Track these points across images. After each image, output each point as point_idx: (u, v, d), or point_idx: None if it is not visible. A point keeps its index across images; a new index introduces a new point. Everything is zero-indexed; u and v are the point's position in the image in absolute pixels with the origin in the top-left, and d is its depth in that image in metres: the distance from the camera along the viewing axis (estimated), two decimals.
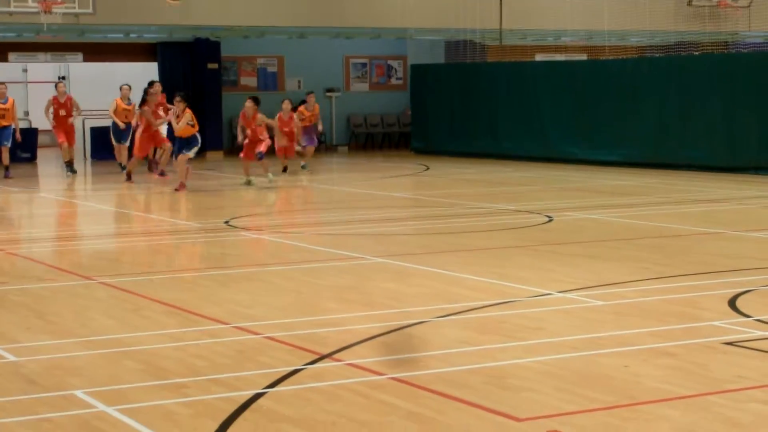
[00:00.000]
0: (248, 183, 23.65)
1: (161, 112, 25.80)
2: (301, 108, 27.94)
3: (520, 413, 7.05)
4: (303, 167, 27.63)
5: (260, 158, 23.23)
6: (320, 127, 28.52)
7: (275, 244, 15.59)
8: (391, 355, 8.80)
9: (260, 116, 23.60)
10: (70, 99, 27.55)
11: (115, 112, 26.97)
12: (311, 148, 28.23)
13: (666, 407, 7.23)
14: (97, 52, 34.40)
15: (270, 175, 23.36)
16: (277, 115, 26.60)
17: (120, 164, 27.20)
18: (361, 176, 26.57)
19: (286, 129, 26.75)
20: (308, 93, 29.00)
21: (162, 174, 25.25)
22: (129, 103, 27.08)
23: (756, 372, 8.08)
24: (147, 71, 34.26)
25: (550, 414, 7.08)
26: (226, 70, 35.60)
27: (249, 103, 23.47)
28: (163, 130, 26.25)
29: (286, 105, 26.92)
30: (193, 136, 23.04)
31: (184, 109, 22.64)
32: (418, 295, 11.68)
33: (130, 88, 27.51)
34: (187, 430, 6.80)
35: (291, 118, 26.82)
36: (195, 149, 23.32)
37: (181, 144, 23.10)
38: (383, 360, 8.57)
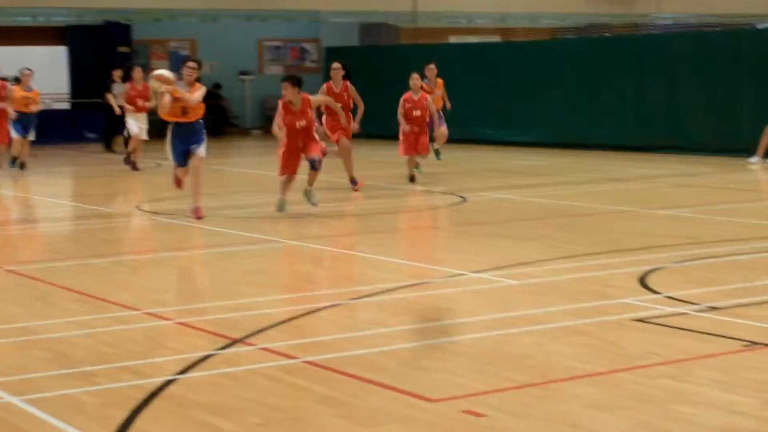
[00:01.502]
0: (281, 208, 15.83)
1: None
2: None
3: (434, 394, 6.99)
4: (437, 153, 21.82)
5: (315, 167, 15.93)
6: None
7: (187, 228, 15.39)
8: (305, 338, 8.71)
9: (315, 98, 17.08)
10: None
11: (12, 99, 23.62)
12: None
13: (578, 385, 7.22)
14: (3, 35, 33.43)
15: (314, 197, 16.31)
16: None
17: (14, 158, 24.34)
18: (267, 160, 26.35)
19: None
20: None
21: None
22: (29, 90, 24.40)
23: (666, 348, 8.10)
24: (56, 56, 33.80)
25: (464, 394, 7.03)
26: (138, 54, 35.10)
27: (290, 87, 15.74)
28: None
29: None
30: (201, 124, 15.90)
31: (194, 81, 15.63)
32: (332, 277, 11.63)
33: (31, 72, 24.80)
34: (96, 419, 6.64)
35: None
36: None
37: (188, 132, 15.58)
38: (296, 343, 8.47)
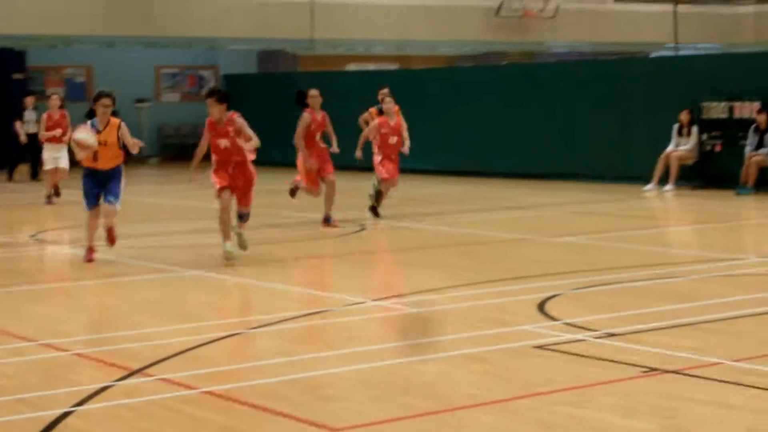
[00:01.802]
0: (231, 256, 14.17)
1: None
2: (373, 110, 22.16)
3: (336, 423, 6.98)
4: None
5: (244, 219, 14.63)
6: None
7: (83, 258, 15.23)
8: (205, 368, 8.64)
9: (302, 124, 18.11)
10: None
11: None
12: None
13: (480, 412, 7.26)
14: None
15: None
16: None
17: None
18: (173, 188, 26.21)
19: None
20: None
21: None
22: None
23: (565, 375, 8.18)
24: None
25: (366, 423, 7.02)
26: (33, 81, 34.65)
27: (215, 104, 13.88)
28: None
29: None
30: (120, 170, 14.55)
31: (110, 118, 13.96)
32: (233, 307, 11.57)
33: None
34: None
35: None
36: None
37: (103, 179, 14.17)
38: (196, 374, 8.39)
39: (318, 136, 17.94)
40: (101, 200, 14.12)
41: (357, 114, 29.58)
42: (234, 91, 32.01)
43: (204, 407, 7.46)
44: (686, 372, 8.10)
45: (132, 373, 8.33)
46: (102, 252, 14.64)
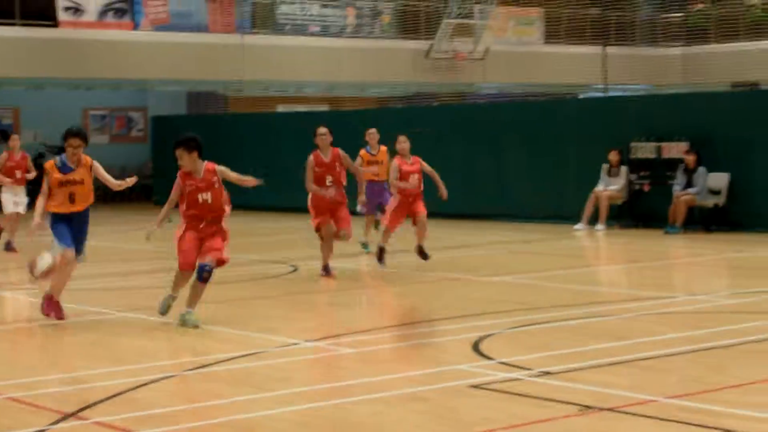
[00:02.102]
0: (164, 310, 12.78)
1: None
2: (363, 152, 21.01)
3: None
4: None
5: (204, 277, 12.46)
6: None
7: (15, 300, 15.08)
8: (140, 411, 8.58)
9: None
10: None
11: None
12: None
13: None
14: None
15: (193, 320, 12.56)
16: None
17: None
18: (104, 229, 25.97)
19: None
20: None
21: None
22: None
23: (501, 413, 8.23)
24: None
25: None
26: None
27: (185, 155, 12.38)
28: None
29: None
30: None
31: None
32: (166, 349, 11.48)
33: None
34: None
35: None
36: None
37: (78, 221, 12.86)
38: (131, 416, 8.34)
39: (329, 180, 16.42)
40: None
41: (288, 155, 29.66)
42: (163, 133, 32.01)
43: None
44: (621, 410, 8.18)
45: (65, 417, 8.25)
46: (33, 294, 14.50)
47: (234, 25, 35.16)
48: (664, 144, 23.66)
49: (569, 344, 11.01)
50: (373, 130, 20.62)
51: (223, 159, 22.61)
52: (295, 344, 11.36)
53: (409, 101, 39.67)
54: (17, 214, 21.00)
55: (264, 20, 36.51)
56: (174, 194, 12.41)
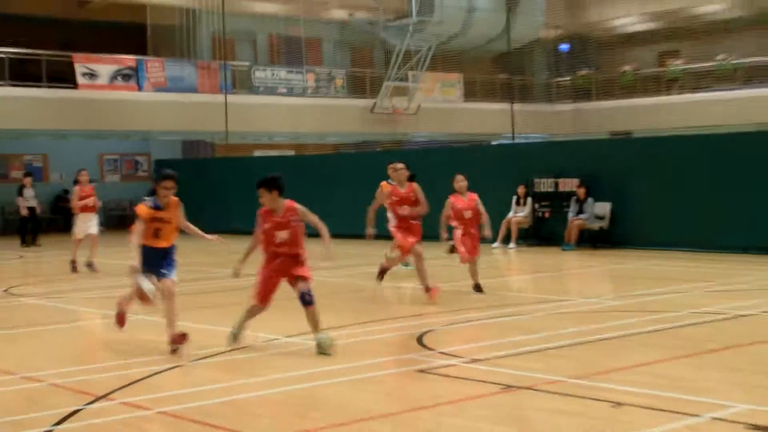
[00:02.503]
0: (234, 340, 11.13)
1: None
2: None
3: None
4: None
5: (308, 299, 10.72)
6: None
7: (52, 307, 14.93)
8: (156, 394, 8.57)
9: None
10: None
11: None
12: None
13: (378, 423, 7.33)
14: None
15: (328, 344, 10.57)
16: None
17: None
18: (110, 250, 25.79)
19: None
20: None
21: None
22: None
23: (443, 391, 8.29)
24: None
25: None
26: None
27: (266, 194, 11.04)
28: None
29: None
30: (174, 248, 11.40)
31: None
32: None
33: None
34: None
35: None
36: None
37: (159, 257, 10.95)
38: (150, 398, 8.33)
39: (406, 210, 15.12)
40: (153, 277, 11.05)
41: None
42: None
43: (158, 424, 7.45)
44: (536, 388, 8.28)
45: (98, 399, 8.25)
46: (65, 301, 14.40)
47: (218, 87, 35.13)
48: (560, 180, 23.88)
49: (493, 337, 11.10)
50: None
51: (213, 194, 22.71)
52: (276, 339, 11.36)
53: (358, 147, 39.72)
54: (93, 236, 20.58)
55: (242, 83, 36.54)
56: (257, 231, 10.90)
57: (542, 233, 24.16)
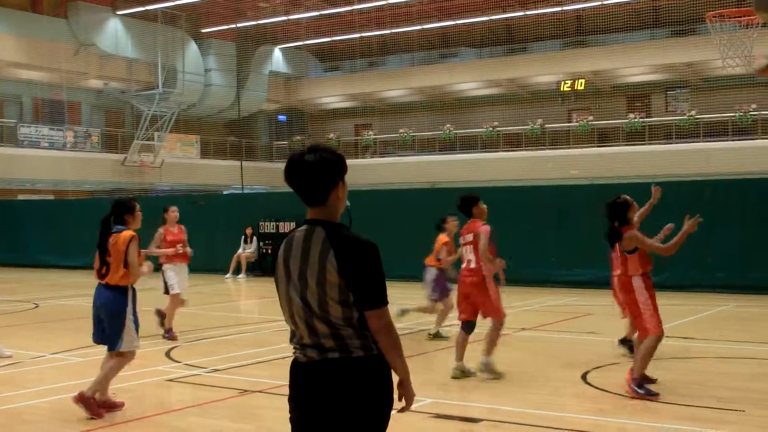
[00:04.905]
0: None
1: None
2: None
3: None
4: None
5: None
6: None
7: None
8: None
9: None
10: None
11: None
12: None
13: (135, 425, 7.07)
14: None
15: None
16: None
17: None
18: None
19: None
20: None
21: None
22: None
23: (189, 396, 8.10)
24: None
25: None
26: None
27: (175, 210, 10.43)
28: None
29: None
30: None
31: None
32: None
33: None
34: None
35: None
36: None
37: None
38: None
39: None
40: None
41: (27, 231, 27.89)
42: None
43: None
44: (267, 391, 8.28)
45: None
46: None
47: None
48: (280, 222, 24.05)
49: (228, 351, 10.98)
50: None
51: None
52: (42, 356, 10.73)
53: (111, 194, 38.22)
54: (181, 299, 12.49)
55: (9, 137, 34.47)
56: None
57: (266, 266, 24.16)
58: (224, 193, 37.64)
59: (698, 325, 13.11)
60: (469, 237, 9.00)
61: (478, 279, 8.85)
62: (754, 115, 33.13)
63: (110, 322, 7.42)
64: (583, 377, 8.91)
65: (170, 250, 12.41)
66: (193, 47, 40.62)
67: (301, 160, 3.26)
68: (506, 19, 39.74)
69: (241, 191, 37.20)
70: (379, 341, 3.20)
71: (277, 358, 10.26)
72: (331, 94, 45.27)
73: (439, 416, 7.11)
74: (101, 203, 30.27)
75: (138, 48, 38.12)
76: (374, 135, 42.93)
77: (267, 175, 42.10)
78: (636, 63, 36.96)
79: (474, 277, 8.86)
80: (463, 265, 9.06)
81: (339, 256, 3.14)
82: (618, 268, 8.35)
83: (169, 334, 12.05)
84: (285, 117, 47.04)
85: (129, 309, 7.45)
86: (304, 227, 3.31)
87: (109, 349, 7.51)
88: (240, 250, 24.18)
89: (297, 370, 3.30)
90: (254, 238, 24.37)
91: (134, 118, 39.55)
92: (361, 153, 41.99)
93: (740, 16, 23.41)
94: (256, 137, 45.46)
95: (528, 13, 38.42)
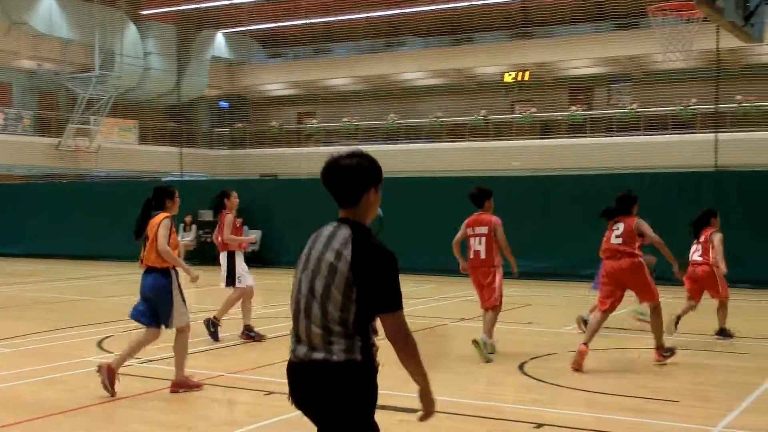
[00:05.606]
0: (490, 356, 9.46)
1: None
2: None
3: None
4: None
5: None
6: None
7: None
8: None
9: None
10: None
11: None
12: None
13: (66, 417, 6.98)
14: None
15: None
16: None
17: None
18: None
19: None
20: None
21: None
22: None
23: (121, 387, 7.95)
24: None
25: None
26: None
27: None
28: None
29: None
30: None
31: None
32: None
33: None
34: None
35: None
36: None
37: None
38: None
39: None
40: None
41: None
42: None
43: None
44: (205, 382, 8.22)
45: None
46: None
47: None
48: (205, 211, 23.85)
49: (164, 341, 10.83)
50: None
51: None
52: None
53: (45, 179, 37.49)
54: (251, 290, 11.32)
55: None
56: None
57: (205, 254, 23.93)
58: (163, 180, 37.16)
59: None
60: (482, 229, 9.61)
61: (491, 269, 9.57)
62: (693, 109, 33.81)
63: (159, 303, 7.83)
64: (521, 367, 9.03)
65: (251, 238, 11.63)
66: (132, 29, 39.97)
67: (338, 162, 3.44)
68: (453, 8, 39.90)
69: (180, 178, 36.76)
70: (396, 350, 3.33)
71: (215, 348, 10.19)
72: (275, 81, 44.99)
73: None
74: (34, 189, 29.78)
75: (73, 28, 37.37)
76: (317, 123, 42.80)
77: (207, 163, 41.71)
78: (580, 56, 37.43)
79: (487, 267, 9.56)
80: (471, 256, 9.64)
81: (355, 252, 3.29)
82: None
83: (255, 333, 10.93)
84: (227, 103, 46.60)
85: (174, 287, 7.87)
86: (333, 223, 3.48)
87: (165, 327, 7.91)
88: (179, 238, 23.90)
89: (288, 370, 3.48)
90: (193, 226, 24.15)
91: (69, 101, 38.76)
92: (303, 142, 41.84)
93: (682, 10, 23.84)
94: (197, 124, 44.98)
95: (475, 3, 38.61)
